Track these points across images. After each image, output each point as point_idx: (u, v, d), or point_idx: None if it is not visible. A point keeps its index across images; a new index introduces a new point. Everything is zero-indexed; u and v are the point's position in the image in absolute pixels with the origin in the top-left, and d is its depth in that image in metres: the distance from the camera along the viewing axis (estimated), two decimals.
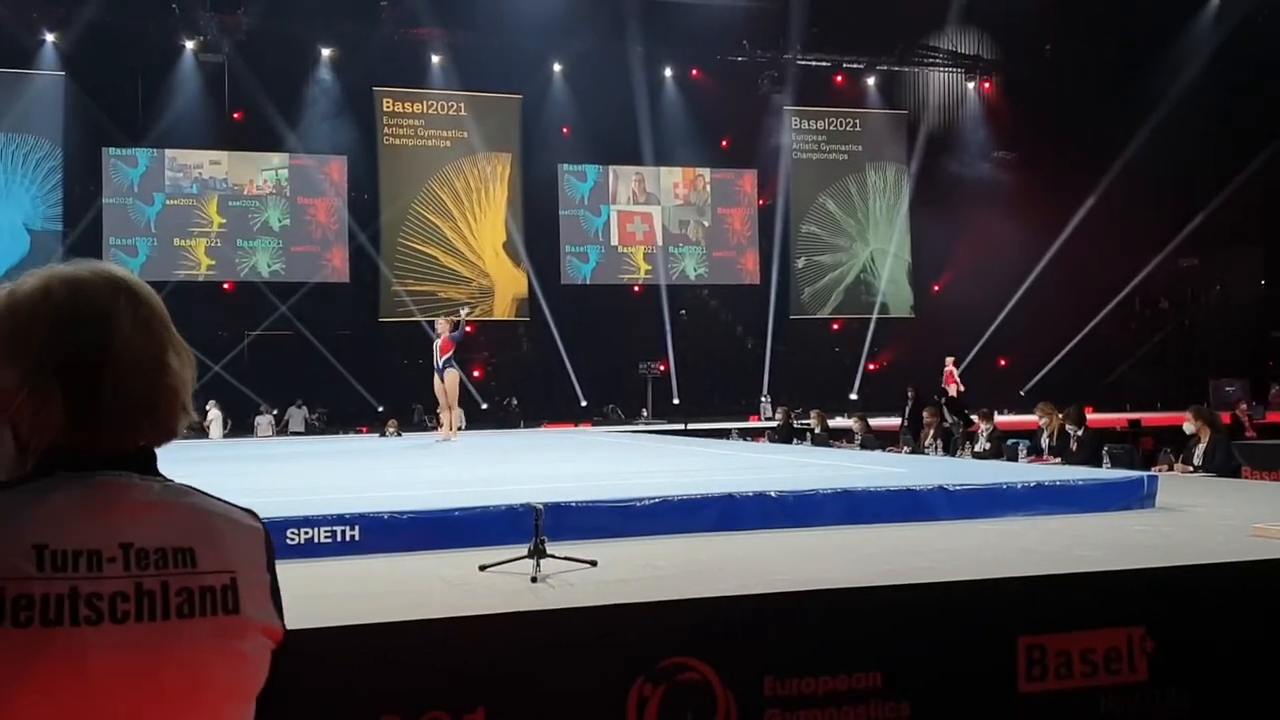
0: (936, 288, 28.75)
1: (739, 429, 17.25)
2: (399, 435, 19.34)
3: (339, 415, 24.36)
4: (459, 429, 14.84)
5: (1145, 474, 5.86)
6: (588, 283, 28.09)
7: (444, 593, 3.91)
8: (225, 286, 25.83)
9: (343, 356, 24.88)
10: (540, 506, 4.27)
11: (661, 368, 25.30)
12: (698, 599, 3.68)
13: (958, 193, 28.09)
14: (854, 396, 25.57)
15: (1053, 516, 5.35)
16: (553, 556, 4.16)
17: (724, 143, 28.49)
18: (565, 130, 27.74)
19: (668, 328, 26.74)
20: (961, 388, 19.50)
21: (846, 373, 27.17)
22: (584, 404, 26.36)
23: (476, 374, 27.06)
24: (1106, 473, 6.45)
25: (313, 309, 25.21)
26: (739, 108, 27.79)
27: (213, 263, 25.72)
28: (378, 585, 4.11)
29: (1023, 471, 6.48)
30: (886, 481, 5.61)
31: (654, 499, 5.09)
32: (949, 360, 19.42)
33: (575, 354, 26.43)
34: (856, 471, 6.52)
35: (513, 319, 27.81)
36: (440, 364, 13.05)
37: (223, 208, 25.88)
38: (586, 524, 4.86)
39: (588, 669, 3.48)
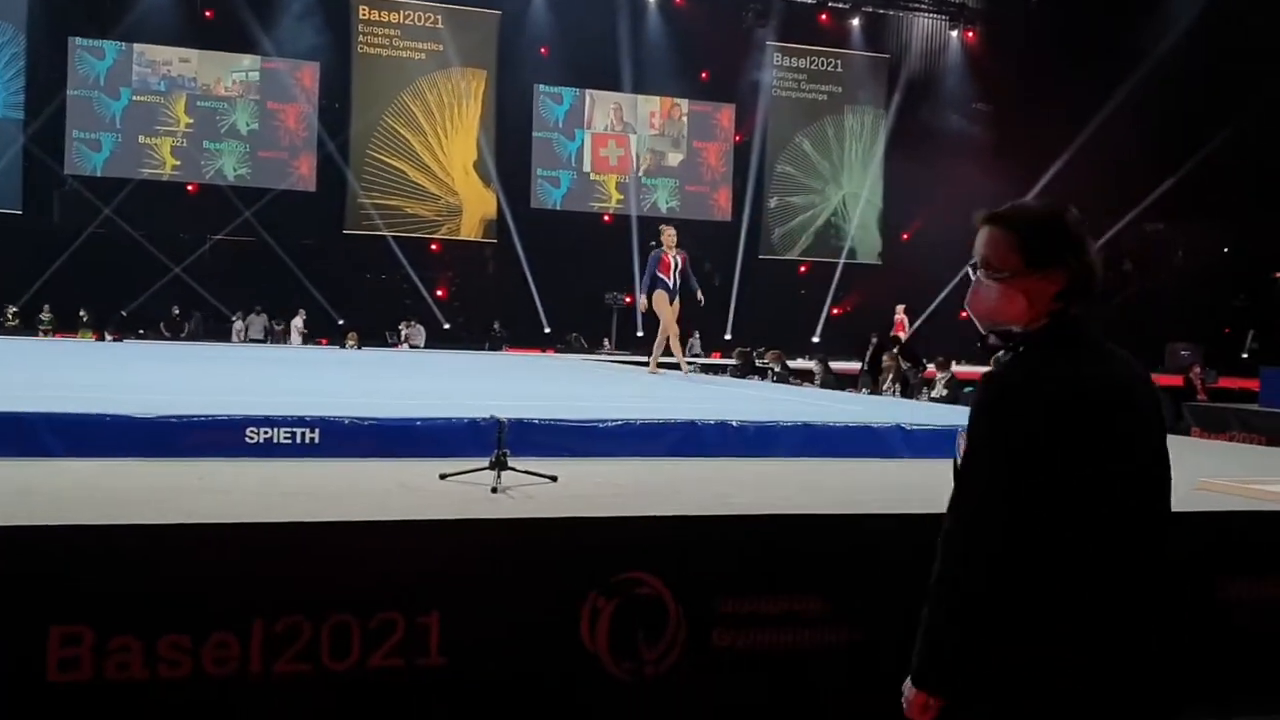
0: (905, 236, 28.81)
1: (700, 364, 17.32)
2: (358, 348, 19.28)
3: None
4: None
5: None
6: (558, 208, 27.86)
7: (402, 498, 3.92)
8: (189, 188, 25.36)
9: (305, 266, 24.61)
10: (504, 419, 4.29)
11: (628, 299, 25.25)
12: (655, 516, 3.73)
13: (933, 141, 28.03)
14: (816, 339, 25.68)
15: None
16: (513, 469, 4.19)
17: (703, 75, 28.17)
18: (544, 50, 27.31)
19: (636, 259, 26.64)
20: (902, 335, 19.59)
21: (810, 315, 27.25)
22: (548, 330, 26.32)
23: (440, 294, 26.94)
24: None
25: (277, 216, 24.82)
26: (721, 40, 27.44)
27: (178, 163, 25.21)
28: (337, 487, 4.12)
29: None
30: (845, 418, 5.67)
31: (617, 421, 5.13)
32: (900, 308, 19.53)
33: (541, 280, 26.30)
34: (815, 407, 6.59)
35: (480, 239, 27.59)
36: (673, 283, 11.19)
37: (190, 107, 25.31)
38: (549, 441, 4.89)
39: (543, 579, 3.53)
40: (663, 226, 11.74)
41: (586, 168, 28.10)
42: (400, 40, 26.49)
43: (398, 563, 3.41)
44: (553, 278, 26.20)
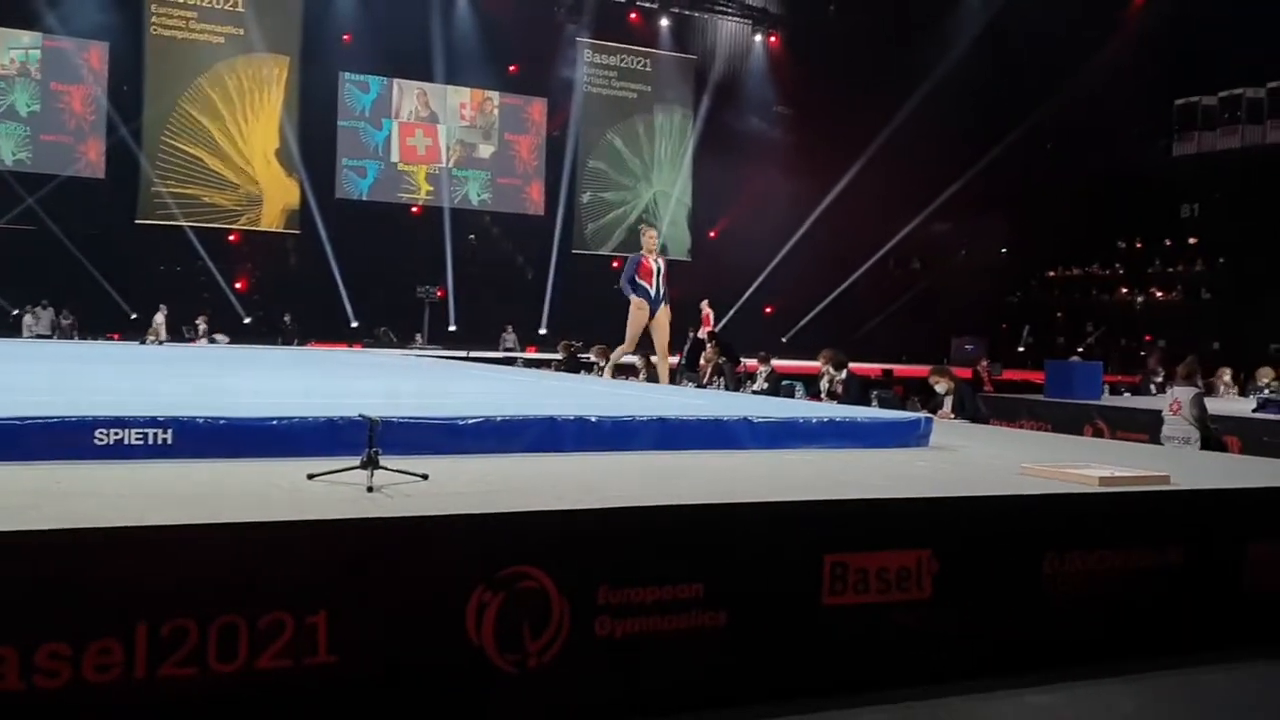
0: (713, 234, 29.60)
1: (524, 359, 17.34)
2: (160, 343, 18.38)
3: (88, 320, 22.80)
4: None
5: (922, 415, 6.40)
6: (364, 199, 27.29)
7: (278, 498, 3.87)
8: None
9: (94, 257, 23.25)
10: (376, 418, 4.28)
11: (440, 293, 25.00)
12: (540, 511, 3.82)
13: (739, 142, 28.94)
14: None
15: (842, 450, 5.79)
16: (385, 468, 4.19)
17: (512, 68, 28.12)
18: (347, 37, 26.66)
19: (448, 252, 26.39)
20: (713, 329, 20.08)
21: (625, 310, 27.54)
22: (354, 324, 25.74)
23: (239, 286, 25.96)
24: (889, 413, 7.00)
25: (63, 205, 23.35)
26: (532, 34, 27.50)
27: None
28: (203, 488, 4.02)
29: (814, 408, 6.93)
30: (694, 412, 5.89)
31: (477, 418, 5.17)
32: (704, 303, 20.08)
33: (347, 272, 25.70)
34: (662, 401, 6.79)
35: (281, 230, 26.71)
36: (663, 294, 10.22)
37: None
38: (411, 440, 4.86)
39: (430, 576, 3.57)
40: (643, 227, 10.50)
41: (394, 158, 27.64)
42: (198, 22, 25.37)
43: (286, 562, 3.39)
44: (359, 270, 25.67)
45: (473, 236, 27.73)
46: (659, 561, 3.88)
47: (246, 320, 25.16)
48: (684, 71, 30.12)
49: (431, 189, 27.72)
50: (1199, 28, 24.35)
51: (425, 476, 4.25)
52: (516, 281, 27.72)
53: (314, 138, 26.40)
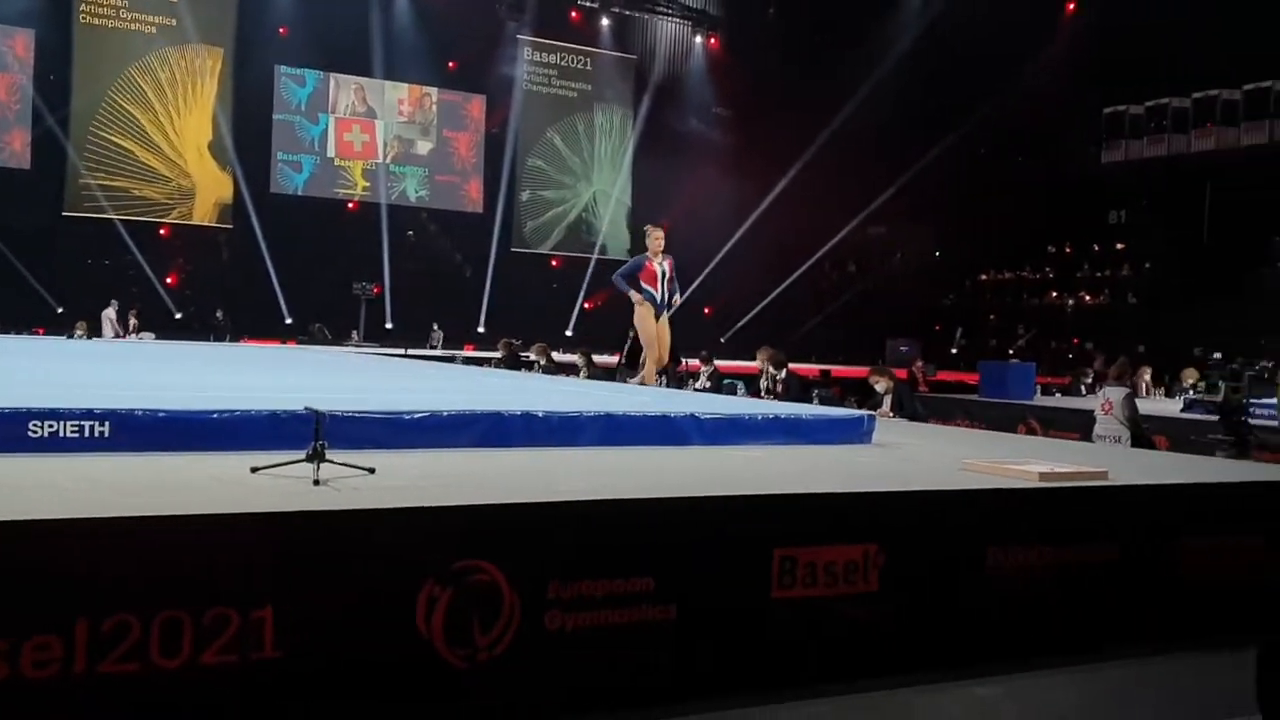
0: None
1: (463, 357, 17.21)
2: (88, 338, 17.97)
3: (9, 315, 22.16)
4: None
5: (865, 413, 6.46)
6: (300, 193, 26.91)
7: (222, 491, 3.79)
8: None
9: (18, 250, 22.63)
10: (322, 411, 4.22)
11: (376, 289, 24.73)
12: (492, 504, 3.79)
13: (679, 143, 29.01)
14: (570, 333, 26.05)
15: (788, 446, 5.82)
16: (332, 462, 4.13)
17: (451, 64, 27.89)
18: (283, 30, 26.26)
19: (386, 249, 26.12)
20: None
21: (563, 309, 27.58)
22: (289, 321, 25.38)
23: (170, 281, 25.47)
24: (833, 410, 7.06)
25: None
26: (473, 30, 27.32)
27: None
28: (145, 482, 3.93)
29: (760, 405, 6.97)
30: (641, 408, 5.88)
31: (423, 413, 5.11)
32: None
33: (281, 268, 25.33)
34: (607, 398, 6.78)
35: (214, 224, 26.25)
36: (669, 299, 9.65)
37: None
38: (355, 434, 4.80)
39: (380, 570, 3.52)
40: (649, 228, 9.99)
41: (331, 153, 27.30)
42: (128, 11, 24.84)
43: (231, 556, 3.32)
44: (294, 266, 25.31)
45: (411, 233, 27.48)
46: (610, 555, 3.87)
47: (178, 316, 24.68)
48: (624, 71, 30.14)
49: (368, 185, 27.43)
50: (1127, 38, 24.95)
51: (372, 470, 4.20)
52: (455, 279, 27.51)
53: (248, 131, 25.98)
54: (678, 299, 9.53)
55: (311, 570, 3.43)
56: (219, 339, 22.08)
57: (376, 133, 27.56)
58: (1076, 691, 4.34)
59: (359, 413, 4.97)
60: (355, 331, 24.38)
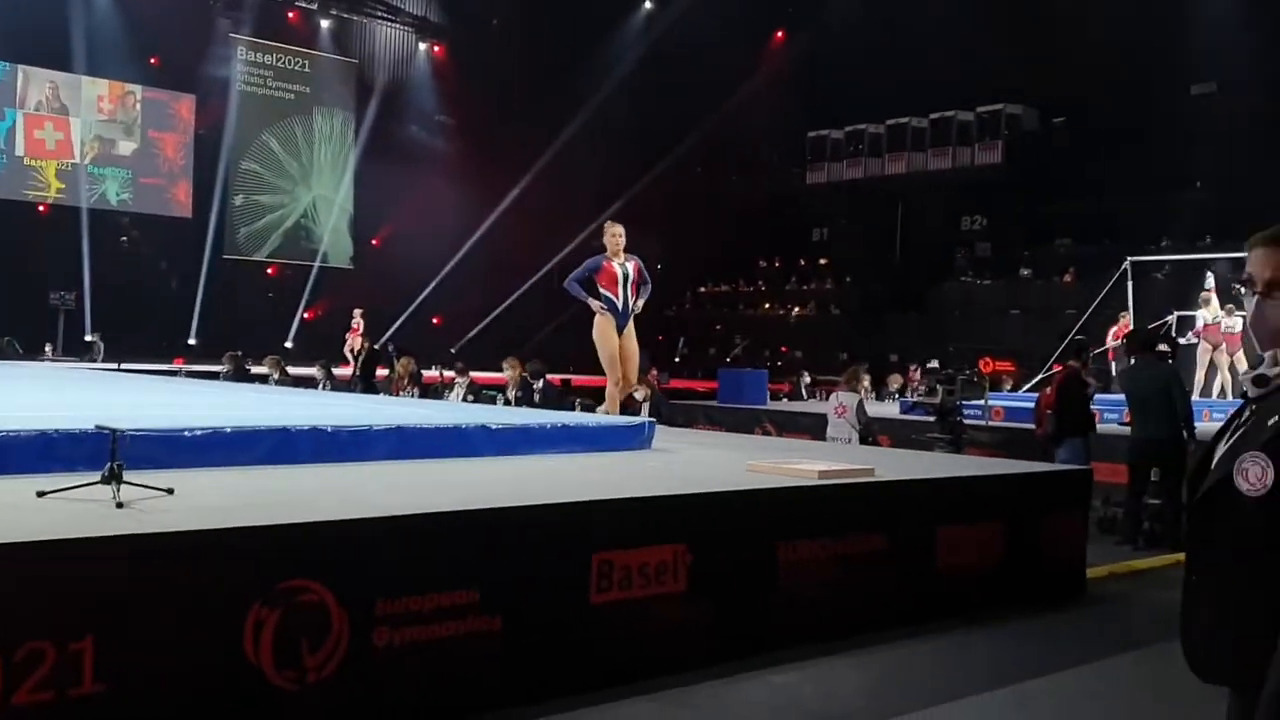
0: (376, 241, 28.96)
1: (187, 370, 16.18)
2: None
3: None
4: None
5: (647, 420, 6.69)
6: None
7: (12, 518, 3.48)
8: None
9: None
10: (118, 430, 3.96)
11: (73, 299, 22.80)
12: (319, 521, 3.69)
13: (404, 151, 28.50)
14: (289, 345, 24.98)
15: (577, 454, 5.95)
16: (130, 483, 3.89)
17: (153, 60, 26.11)
18: None
19: (85, 256, 24.13)
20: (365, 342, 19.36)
21: (283, 319, 26.42)
22: None
23: None
24: (618, 418, 7.22)
25: None
26: (180, 26, 25.68)
27: None
28: None
29: (546, 415, 7.04)
30: (430, 421, 5.84)
31: (204, 430, 4.86)
32: (357, 313, 19.62)
33: None
34: (396, 411, 6.66)
35: None
36: (632, 305, 8.12)
37: None
38: (133, 454, 4.50)
39: (204, 593, 3.37)
40: (608, 223, 8.47)
41: (19, 151, 24.97)
42: None
43: (40, 587, 3.09)
44: None
45: (125, 239, 25.51)
46: (436, 569, 3.86)
47: None
48: (345, 75, 29.31)
49: (64, 186, 25.26)
50: (830, 68, 26.89)
51: (171, 491, 3.99)
52: (161, 287, 25.74)
53: None
54: (640, 303, 8.21)
55: (133, 597, 3.24)
56: None
57: (72, 131, 25.45)
58: (860, 674, 4.71)
59: (136, 431, 4.66)
60: (50, 345, 22.39)
